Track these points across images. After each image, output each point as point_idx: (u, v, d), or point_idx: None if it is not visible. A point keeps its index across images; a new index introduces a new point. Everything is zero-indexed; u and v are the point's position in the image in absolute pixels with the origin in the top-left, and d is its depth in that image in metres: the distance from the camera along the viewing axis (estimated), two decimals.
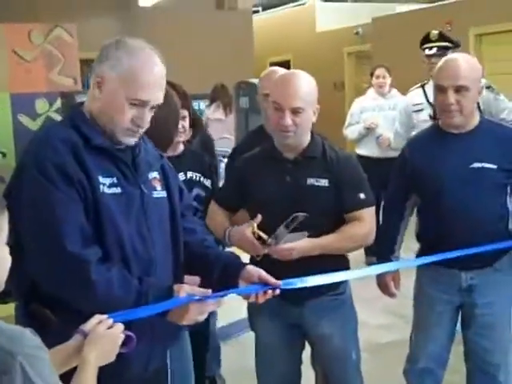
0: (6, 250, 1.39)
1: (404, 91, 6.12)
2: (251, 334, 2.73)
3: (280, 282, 1.96)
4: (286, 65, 11.82)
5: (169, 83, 2.35)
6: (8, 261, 1.40)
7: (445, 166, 2.61)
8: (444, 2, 9.24)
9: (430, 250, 2.37)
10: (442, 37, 4.43)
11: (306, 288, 2.16)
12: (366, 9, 11.15)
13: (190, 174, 2.85)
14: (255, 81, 6.52)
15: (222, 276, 1.96)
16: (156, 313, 1.74)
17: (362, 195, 2.43)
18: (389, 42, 9.29)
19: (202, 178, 2.88)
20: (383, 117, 5.83)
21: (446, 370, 2.85)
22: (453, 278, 2.66)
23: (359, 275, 2.22)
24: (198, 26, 8.96)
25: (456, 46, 4.43)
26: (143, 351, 1.87)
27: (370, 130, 5.86)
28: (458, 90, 2.53)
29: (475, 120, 2.67)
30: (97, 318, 1.58)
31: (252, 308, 2.62)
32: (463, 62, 2.58)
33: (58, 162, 1.72)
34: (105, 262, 1.75)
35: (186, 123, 2.84)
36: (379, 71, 5.97)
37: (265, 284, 1.94)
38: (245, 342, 3.19)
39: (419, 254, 2.58)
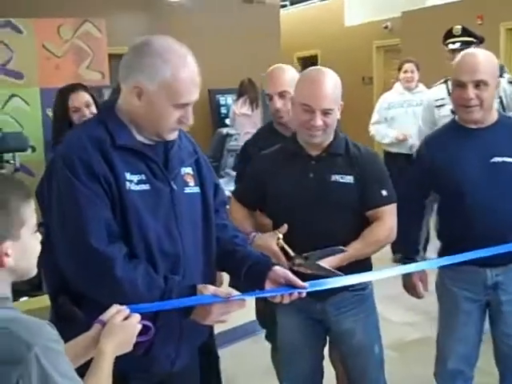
0: (34, 238, 1.44)
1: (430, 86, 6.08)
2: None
3: (306, 285, 1.95)
4: (313, 59, 11.79)
5: None
6: (37, 248, 1.45)
7: (464, 161, 2.58)
8: None
9: (452, 249, 2.34)
10: (465, 31, 4.38)
11: None
12: (396, 2, 11.03)
13: None
14: None
15: (248, 275, 1.96)
16: (178, 309, 1.75)
17: (384, 192, 2.42)
18: (418, 36, 9.19)
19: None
20: (412, 112, 5.77)
21: (476, 370, 2.82)
22: (478, 275, 2.63)
23: (382, 276, 2.20)
24: (225, 20, 8.96)
25: (480, 41, 4.38)
26: (170, 349, 1.89)
27: (401, 141, 5.79)
28: (478, 84, 2.51)
29: (494, 115, 2.64)
30: (114, 307, 1.60)
31: (275, 304, 2.61)
32: (481, 56, 2.56)
33: (85, 158, 1.75)
34: (131, 258, 1.76)
35: None
36: (408, 66, 5.90)
37: (291, 286, 1.92)
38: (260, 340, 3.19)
39: (441, 253, 2.55)
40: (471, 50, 2.67)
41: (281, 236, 2.22)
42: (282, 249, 2.21)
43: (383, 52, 11.20)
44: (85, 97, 3.65)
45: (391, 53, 10.80)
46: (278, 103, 2.88)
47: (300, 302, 2.40)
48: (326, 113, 2.33)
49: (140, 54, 1.79)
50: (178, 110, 1.81)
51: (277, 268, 1.96)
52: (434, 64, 6.87)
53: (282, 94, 2.88)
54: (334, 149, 2.44)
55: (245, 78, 7.20)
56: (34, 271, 1.45)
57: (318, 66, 2.47)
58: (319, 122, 2.32)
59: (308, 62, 11.23)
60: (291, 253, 2.18)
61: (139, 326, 1.61)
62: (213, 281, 1.90)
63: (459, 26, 4.37)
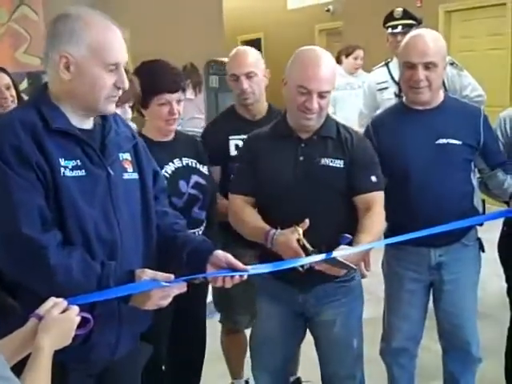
0: None
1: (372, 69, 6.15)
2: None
3: (248, 267, 1.94)
4: (257, 42, 11.75)
5: None
6: None
7: (410, 142, 2.62)
8: None
9: (398, 229, 2.38)
10: (406, 14, 4.40)
11: (313, 274, 2.14)
12: None
13: (185, 160, 2.67)
14: (225, 60, 6.49)
15: (190, 260, 1.94)
16: (117, 297, 1.73)
17: (373, 178, 2.39)
18: (360, 19, 9.26)
19: (198, 165, 2.70)
20: (354, 95, 5.82)
21: (419, 347, 2.88)
22: (422, 256, 2.69)
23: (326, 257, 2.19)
24: (167, 2, 8.84)
25: (419, 23, 4.42)
26: (109, 336, 1.86)
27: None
28: (427, 66, 2.54)
29: (440, 96, 2.69)
30: (51, 300, 1.56)
31: (258, 289, 2.58)
32: (430, 38, 2.59)
33: (16, 144, 1.69)
34: (66, 245, 1.72)
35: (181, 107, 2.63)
36: (359, 52, 5.98)
37: (233, 269, 1.92)
38: (213, 325, 3.19)
39: (387, 234, 2.60)
40: (419, 30, 2.69)
41: (301, 232, 2.15)
42: (303, 246, 2.15)
43: (325, 35, 11.25)
44: (5, 79, 3.57)
45: (333, 36, 10.85)
46: (245, 84, 2.86)
47: (282, 291, 2.42)
48: (322, 95, 2.29)
49: (61, 24, 1.76)
50: (111, 73, 1.77)
51: (218, 252, 1.95)
52: (375, 47, 6.95)
53: (248, 75, 2.87)
54: (324, 132, 2.40)
55: (187, 63, 7.11)
56: None
57: (313, 46, 2.40)
58: (315, 104, 2.28)
59: (251, 44, 11.18)
60: (310, 249, 2.13)
61: (78, 319, 1.57)
62: (152, 266, 1.88)
63: (400, 9, 4.40)
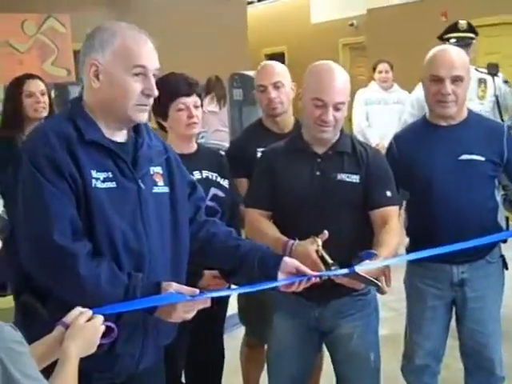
0: None
1: (398, 83, 6.14)
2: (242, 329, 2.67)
3: (316, 273, 2.00)
4: (280, 56, 11.80)
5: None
6: None
7: (433, 158, 2.61)
8: None
9: (420, 245, 2.37)
10: (470, 27, 4.34)
11: (329, 288, 2.15)
12: (362, 0, 11.12)
13: (205, 173, 2.67)
14: (249, 73, 6.52)
15: (260, 268, 1.97)
16: (143, 308, 1.75)
17: (388, 193, 2.38)
18: (384, 33, 9.27)
19: (218, 178, 2.71)
20: (388, 110, 5.84)
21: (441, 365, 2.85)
22: (444, 272, 2.67)
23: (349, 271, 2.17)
24: (192, 16, 8.92)
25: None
26: (134, 347, 1.87)
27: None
28: (455, 80, 2.54)
29: (464, 112, 2.68)
30: (77, 310, 1.59)
31: (274, 304, 2.57)
32: (456, 52, 2.60)
33: (50, 155, 1.73)
34: (95, 255, 1.75)
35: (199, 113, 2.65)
36: (382, 66, 6.00)
37: (302, 275, 1.97)
38: (237, 336, 3.19)
39: (409, 249, 2.57)
40: (444, 46, 2.70)
41: (320, 243, 2.15)
42: (321, 256, 2.15)
43: (349, 49, 11.27)
44: (41, 85, 3.67)
45: (357, 50, 10.87)
46: (273, 93, 2.88)
47: (298, 305, 2.41)
48: (337, 107, 2.30)
49: (91, 37, 1.82)
50: (137, 79, 1.79)
51: (287, 259, 2.00)
52: (399, 61, 6.94)
53: (276, 85, 2.89)
54: (340, 147, 2.41)
55: (212, 75, 7.16)
56: None
57: (326, 61, 2.43)
58: (331, 117, 2.30)
59: (275, 58, 11.23)
60: (329, 260, 2.12)
61: (102, 328, 1.60)
62: (181, 280, 1.89)
63: (464, 21, 4.34)
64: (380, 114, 5.91)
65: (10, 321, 1.41)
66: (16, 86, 3.64)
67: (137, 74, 1.79)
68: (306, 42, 11.54)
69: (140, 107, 1.83)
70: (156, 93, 1.84)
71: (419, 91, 4.55)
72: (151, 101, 1.86)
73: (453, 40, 4.28)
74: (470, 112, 2.74)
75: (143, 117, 1.87)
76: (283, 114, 2.94)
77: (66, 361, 1.47)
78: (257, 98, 3.03)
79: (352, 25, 10.89)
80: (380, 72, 5.99)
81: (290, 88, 2.94)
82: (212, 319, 2.60)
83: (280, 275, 1.97)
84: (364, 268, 2.08)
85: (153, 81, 1.82)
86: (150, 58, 1.81)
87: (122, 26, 1.84)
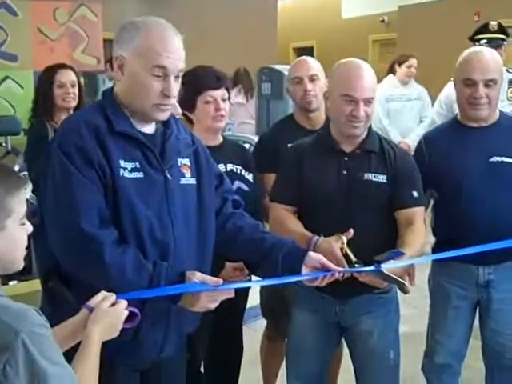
0: (22, 229, 1.41)
1: (427, 81, 6.09)
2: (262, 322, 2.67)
3: (341, 269, 2.02)
4: (309, 50, 11.77)
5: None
6: (23, 241, 1.42)
7: (463, 159, 2.59)
8: None
9: (446, 245, 2.35)
10: (500, 28, 4.30)
11: (351, 285, 2.14)
12: None
13: (230, 166, 2.68)
14: (278, 67, 6.50)
15: (285, 262, 1.98)
16: (166, 298, 1.77)
17: (415, 193, 2.37)
18: (414, 30, 9.20)
19: (243, 171, 2.71)
20: (410, 107, 5.80)
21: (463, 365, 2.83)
22: (470, 273, 2.64)
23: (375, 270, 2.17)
24: (221, 9, 8.92)
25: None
26: (157, 334, 1.89)
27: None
28: (488, 83, 2.52)
29: (496, 114, 2.65)
30: (101, 294, 1.62)
31: (294, 298, 2.59)
32: (489, 55, 2.57)
33: (80, 144, 1.76)
34: (121, 243, 1.77)
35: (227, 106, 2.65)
36: (413, 61, 5.93)
37: (326, 270, 1.98)
38: (248, 331, 3.20)
39: (435, 249, 2.55)
40: (477, 48, 2.66)
41: (345, 240, 2.15)
42: (345, 254, 2.15)
43: (379, 46, 11.20)
44: (72, 76, 3.75)
45: (386, 47, 10.80)
46: (309, 85, 2.88)
47: (318, 301, 2.41)
48: (367, 102, 2.30)
49: (123, 29, 1.84)
50: (157, 79, 1.80)
51: (312, 254, 2.01)
52: (429, 59, 6.89)
53: (312, 78, 2.90)
54: (368, 146, 2.40)
55: (240, 67, 7.16)
56: (19, 265, 1.43)
57: (352, 58, 2.43)
58: (362, 112, 2.29)
59: (304, 52, 11.21)
60: (353, 258, 2.13)
61: (126, 312, 1.63)
62: (206, 271, 1.90)
63: (495, 22, 4.30)
64: (401, 111, 5.85)
65: (35, 304, 1.43)
66: (47, 76, 3.72)
67: (157, 75, 1.80)
68: (335, 37, 11.50)
69: (160, 107, 1.84)
70: (174, 94, 1.85)
71: (448, 90, 4.51)
72: (172, 101, 1.87)
73: (483, 41, 4.24)
74: (502, 114, 2.71)
75: (164, 116, 1.88)
76: (316, 109, 2.93)
77: (88, 344, 1.50)
78: (290, 91, 3.02)
79: (383, 21, 10.82)
80: (409, 67, 5.93)
81: (324, 85, 2.93)
82: (232, 310, 2.61)
83: (304, 269, 1.97)
84: (389, 267, 2.07)
85: (172, 82, 1.82)
86: (172, 59, 1.81)
87: (151, 22, 1.84)
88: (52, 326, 1.38)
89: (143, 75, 1.80)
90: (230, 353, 2.90)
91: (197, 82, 2.54)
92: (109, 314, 1.58)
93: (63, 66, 3.79)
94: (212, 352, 2.81)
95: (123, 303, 1.62)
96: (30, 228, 1.44)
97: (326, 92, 2.46)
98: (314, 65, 2.95)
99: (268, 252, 2.01)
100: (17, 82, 6.12)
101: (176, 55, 1.82)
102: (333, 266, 2.00)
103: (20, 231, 1.40)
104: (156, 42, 1.79)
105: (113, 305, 1.61)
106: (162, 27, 1.83)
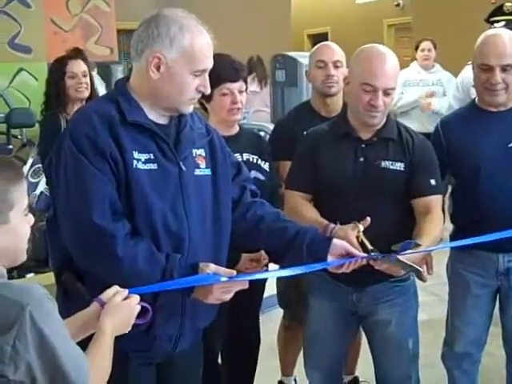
0: (24, 221, 1.41)
1: (443, 65, 6.01)
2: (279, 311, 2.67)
3: (365, 255, 2.02)
4: (323, 37, 11.68)
5: None
6: (26, 232, 1.42)
7: (482, 144, 2.54)
8: None
9: (465, 232, 2.32)
10: None
11: (368, 273, 2.12)
12: None
13: (246, 155, 2.66)
14: (292, 54, 6.45)
15: (310, 251, 1.97)
16: (180, 289, 1.75)
17: (433, 181, 2.35)
18: (430, 14, 9.08)
19: (259, 161, 2.69)
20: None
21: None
22: (489, 261, 2.61)
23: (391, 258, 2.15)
24: None
25: None
26: (172, 328, 1.88)
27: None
28: (505, 67, 2.47)
29: None
30: (114, 288, 1.61)
31: (311, 287, 2.58)
32: (507, 38, 2.51)
33: (92, 136, 1.74)
34: (134, 235, 1.76)
35: (243, 98, 2.63)
36: (425, 44, 5.85)
37: (350, 257, 1.99)
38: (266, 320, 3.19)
39: (453, 236, 2.52)
40: (495, 30, 2.60)
41: (361, 229, 2.13)
42: (361, 242, 2.13)
43: (394, 30, 11.10)
44: (83, 66, 3.77)
45: (402, 31, 10.69)
46: (333, 70, 2.86)
47: (336, 290, 2.40)
48: (387, 92, 2.27)
49: (155, 25, 1.79)
50: (197, 77, 1.82)
51: (336, 241, 2.01)
52: (445, 42, 6.79)
53: (336, 64, 2.88)
54: (385, 133, 2.37)
55: (253, 55, 7.12)
56: (23, 257, 1.43)
57: (375, 44, 2.40)
58: (380, 101, 2.26)
59: (318, 39, 11.14)
60: (369, 246, 2.11)
61: (138, 307, 1.62)
62: (221, 263, 1.89)
63: (510, 4, 4.21)
64: (416, 95, 5.78)
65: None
66: (58, 67, 3.74)
67: (197, 75, 1.82)
68: (350, 23, 11.41)
69: (191, 101, 1.87)
70: (208, 91, 1.88)
71: (465, 74, 4.45)
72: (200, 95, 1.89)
73: (500, 23, 4.15)
74: None
75: (190, 109, 1.90)
76: (334, 95, 2.91)
77: (100, 337, 1.50)
78: (311, 75, 2.98)
79: (398, 5, 10.72)
80: (422, 50, 5.84)
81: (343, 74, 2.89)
82: (249, 300, 2.60)
83: (329, 257, 1.97)
84: (407, 255, 2.06)
85: (207, 79, 1.85)
86: (210, 59, 1.85)
87: (187, 18, 1.82)
88: (64, 319, 1.39)
89: (185, 77, 1.80)
90: (247, 342, 2.89)
91: (214, 73, 2.53)
92: (121, 308, 1.57)
93: (73, 56, 3.81)
94: (229, 342, 2.80)
95: (135, 298, 1.61)
96: (31, 219, 1.44)
97: (346, 77, 2.43)
98: (338, 51, 2.94)
99: (291, 240, 1.99)
100: (31, 74, 6.13)
101: (211, 53, 1.86)
102: (358, 252, 2.00)
103: (23, 223, 1.41)
104: (200, 46, 1.81)
105: (125, 299, 1.60)
106: (199, 27, 1.83)
